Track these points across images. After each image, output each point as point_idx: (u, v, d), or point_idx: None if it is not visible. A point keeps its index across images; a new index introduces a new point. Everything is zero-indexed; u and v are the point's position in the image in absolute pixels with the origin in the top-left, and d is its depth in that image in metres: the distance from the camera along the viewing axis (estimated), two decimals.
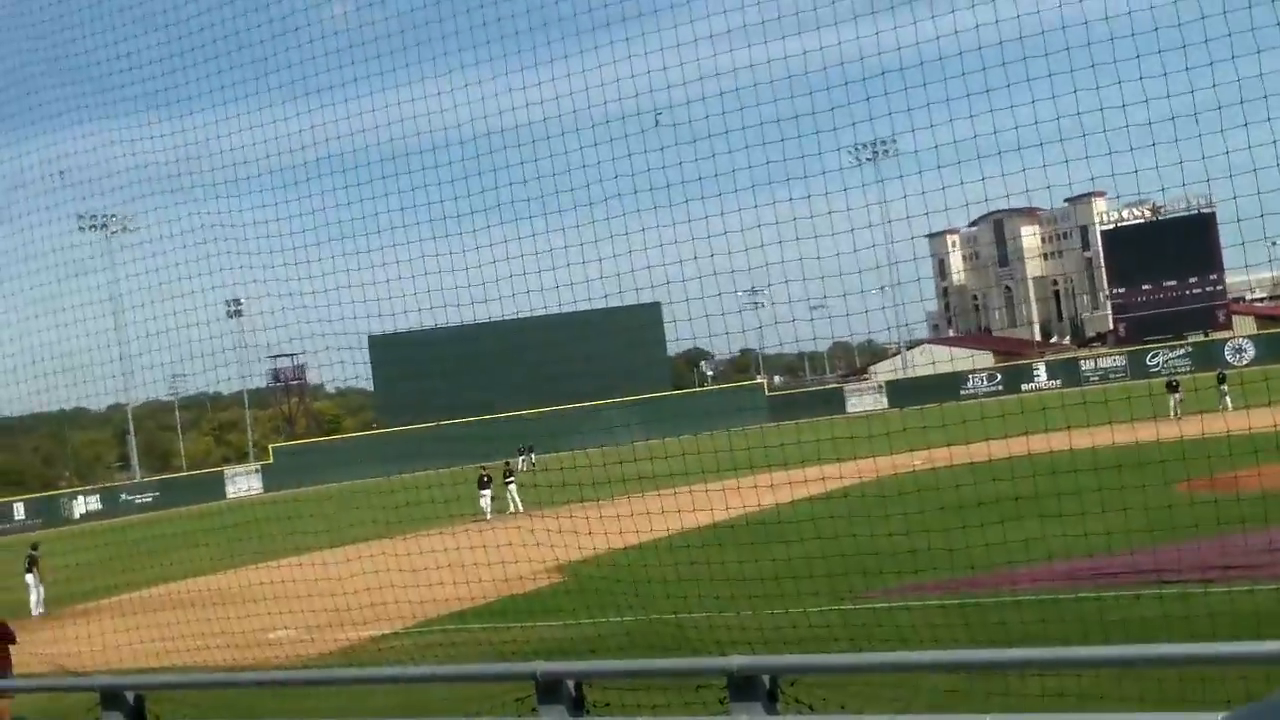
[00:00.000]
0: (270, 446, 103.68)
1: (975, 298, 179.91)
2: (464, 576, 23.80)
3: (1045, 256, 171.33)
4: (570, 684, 8.73)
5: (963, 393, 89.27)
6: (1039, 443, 26.98)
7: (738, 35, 18.25)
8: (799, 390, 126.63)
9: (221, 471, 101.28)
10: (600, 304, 28.13)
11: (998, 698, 10.09)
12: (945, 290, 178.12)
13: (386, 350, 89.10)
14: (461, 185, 21.70)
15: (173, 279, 23.93)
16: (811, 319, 21.42)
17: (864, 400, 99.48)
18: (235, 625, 22.82)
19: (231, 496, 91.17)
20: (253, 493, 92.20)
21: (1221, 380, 53.46)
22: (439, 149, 22.00)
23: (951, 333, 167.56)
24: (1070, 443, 23.75)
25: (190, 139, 23.15)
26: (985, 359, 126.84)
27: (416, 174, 22.07)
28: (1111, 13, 15.71)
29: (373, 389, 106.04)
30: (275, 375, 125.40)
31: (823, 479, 28.05)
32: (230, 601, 26.11)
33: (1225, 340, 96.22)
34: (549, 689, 8.81)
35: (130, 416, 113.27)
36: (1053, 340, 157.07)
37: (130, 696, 11.69)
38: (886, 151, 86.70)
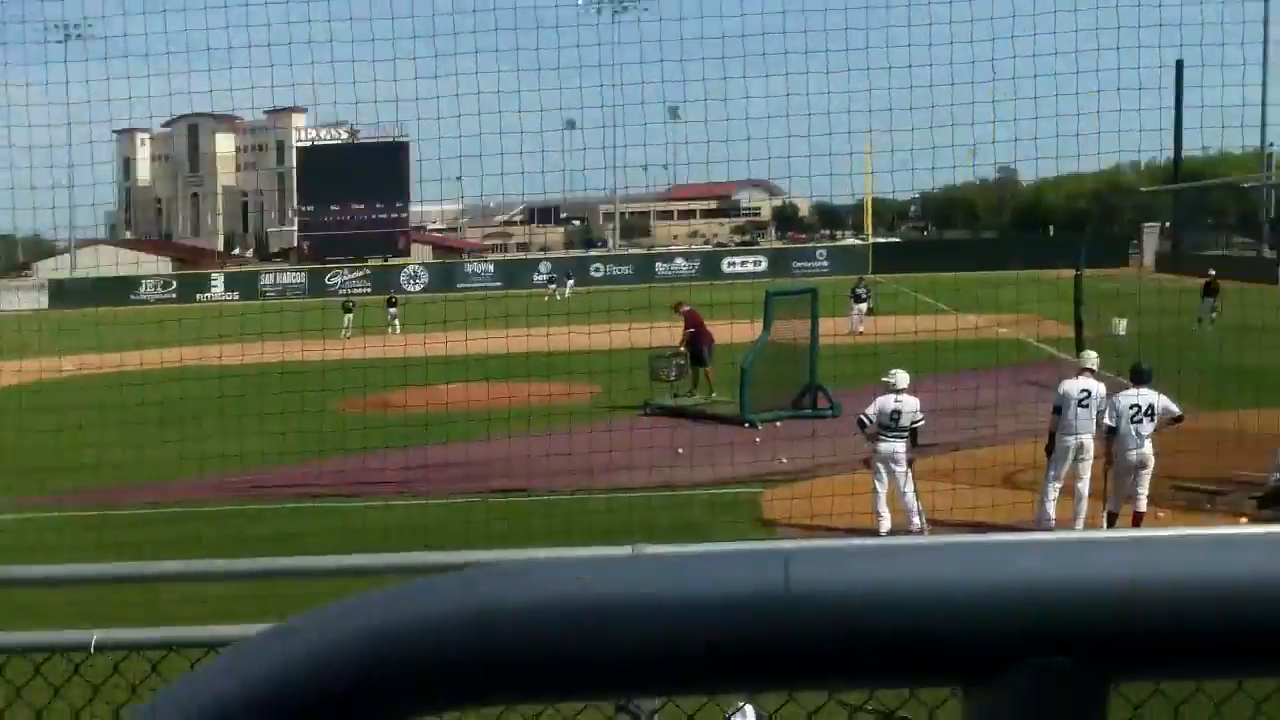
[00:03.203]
0: None
1: (159, 201, 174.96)
2: None
3: (239, 167, 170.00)
4: None
5: (133, 298, 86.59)
6: (194, 353, 26.75)
7: None
8: None
9: None
10: None
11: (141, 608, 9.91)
12: (128, 191, 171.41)
13: None
14: None
15: None
16: None
17: (23, 298, 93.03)
18: None
19: None
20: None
21: (391, 304, 55.93)
22: None
23: (129, 235, 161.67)
24: (240, 356, 23.90)
25: None
26: (164, 265, 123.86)
27: None
28: None
29: None
30: None
31: None
32: None
33: (403, 266, 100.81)
34: None
35: None
36: (235, 252, 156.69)
37: None
38: (79, 35, 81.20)
